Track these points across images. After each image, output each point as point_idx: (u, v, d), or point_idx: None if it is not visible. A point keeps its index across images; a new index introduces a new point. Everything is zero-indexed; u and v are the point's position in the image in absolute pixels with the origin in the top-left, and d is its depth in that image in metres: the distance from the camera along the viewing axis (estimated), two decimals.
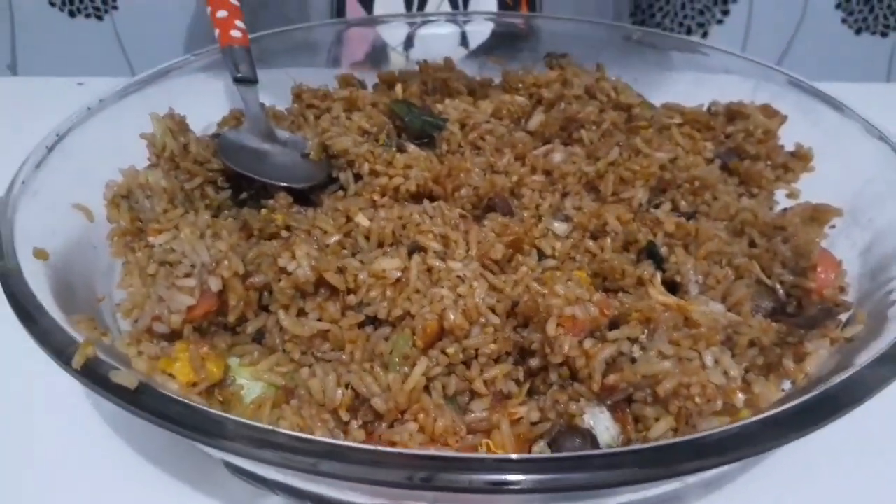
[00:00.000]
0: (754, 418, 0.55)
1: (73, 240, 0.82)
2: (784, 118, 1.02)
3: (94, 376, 0.58)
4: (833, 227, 0.88)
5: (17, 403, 0.82)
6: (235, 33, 1.01)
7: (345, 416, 0.65)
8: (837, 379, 0.58)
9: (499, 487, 0.53)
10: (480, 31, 1.38)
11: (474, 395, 0.69)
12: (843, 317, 0.77)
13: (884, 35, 2.34)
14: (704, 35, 2.37)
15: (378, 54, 1.40)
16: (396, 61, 1.37)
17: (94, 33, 2.28)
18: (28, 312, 0.63)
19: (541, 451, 0.64)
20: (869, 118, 0.96)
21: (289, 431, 0.56)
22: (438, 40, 1.37)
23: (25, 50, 2.32)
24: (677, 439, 0.55)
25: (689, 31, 2.38)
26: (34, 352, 0.62)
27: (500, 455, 0.62)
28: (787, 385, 0.71)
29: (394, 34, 1.39)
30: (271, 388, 0.70)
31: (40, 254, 0.74)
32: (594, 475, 0.52)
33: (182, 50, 1.94)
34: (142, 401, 0.56)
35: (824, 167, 0.93)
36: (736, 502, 0.71)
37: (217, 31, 1.02)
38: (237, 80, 1.02)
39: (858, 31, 2.35)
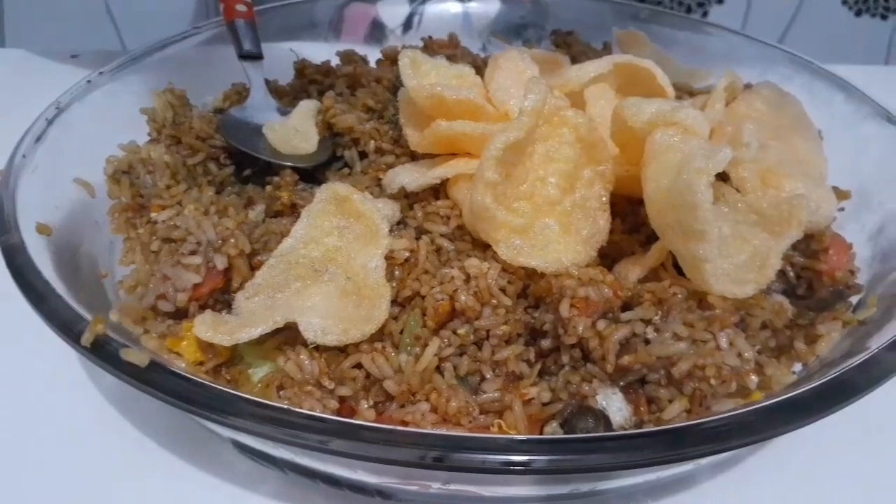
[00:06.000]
0: (772, 401, 0.55)
1: (74, 215, 0.81)
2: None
3: (103, 354, 0.57)
4: (842, 209, 0.87)
5: (16, 381, 0.81)
6: (241, 7, 0.99)
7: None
8: (854, 362, 0.58)
9: (513, 468, 0.53)
10: (485, 9, 1.36)
11: (485, 375, 0.68)
12: (853, 299, 0.77)
13: (884, 17, 2.32)
14: (704, 15, 2.35)
15: (377, 36, 1.37)
16: (395, 43, 1.34)
17: (83, 3, 2.23)
18: (35, 289, 0.62)
19: (553, 431, 0.64)
20: (878, 101, 0.95)
21: (302, 410, 0.56)
22: (440, 20, 1.35)
23: (13, 20, 2.27)
24: (693, 422, 0.54)
25: (688, 10, 2.35)
26: (34, 328, 0.62)
27: (515, 436, 0.61)
28: (797, 367, 0.71)
29: (394, 14, 1.37)
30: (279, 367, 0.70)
31: (43, 229, 0.72)
32: (610, 457, 0.52)
33: (175, 21, 1.90)
34: (153, 378, 0.55)
35: (833, 150, 0.92)
36: (746, 483, 0.71)
37: (222, 5, 1.00)
38: (242, 57, 1.00)
39: (858, 13, 2.33)
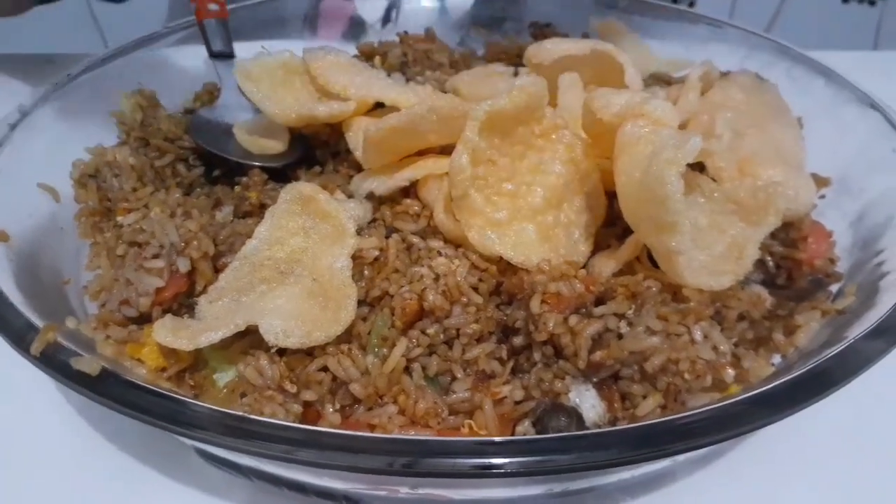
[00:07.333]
0: (746, 395, 0.53)
1: (38, 221, 0.79)
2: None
3: (54, 363, 0.55)
4: (823, 196, 0.85)
5: None
6: (213, 6, 0.97)
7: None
8: (831, 352, 0.56)
9: (484, 471, 0.51)
10: (463, 2, 1.34)
11: (456, 375, 0.66)
12: (834, 288, 0.75)
13: (871, 4, 2.31)
14: (691, 4, 2.34)
15: (356, 31, 1.35)
16: (374, 38, 1.33)
17: (66, 7, 2.20)
18: None
19: (525, 430, 0.62)
20: (859, 86, 0.93)
21: (262, 418, 0.54)
22: (419, 13, 1.33)
23: None
24: (666, 418, 0.53)
25: (674, 0, 2.34)
26: None
27: (484, 438, 0.59)
28: (776, 359, 0.70)
29: (372, 8, 1.35)
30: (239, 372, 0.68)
31: (1, 235, 0.70)
32: (582, 457, 0.50)
33: (158, 24, 1.88)
34: (104, 388, 0.53)
35: (814, 136, 0.90)
36: (727, 478, 0.70)
37: (194, 5, 0.98)
38: (214, 56, 0.98)
39: (846, 0, 2.32)
